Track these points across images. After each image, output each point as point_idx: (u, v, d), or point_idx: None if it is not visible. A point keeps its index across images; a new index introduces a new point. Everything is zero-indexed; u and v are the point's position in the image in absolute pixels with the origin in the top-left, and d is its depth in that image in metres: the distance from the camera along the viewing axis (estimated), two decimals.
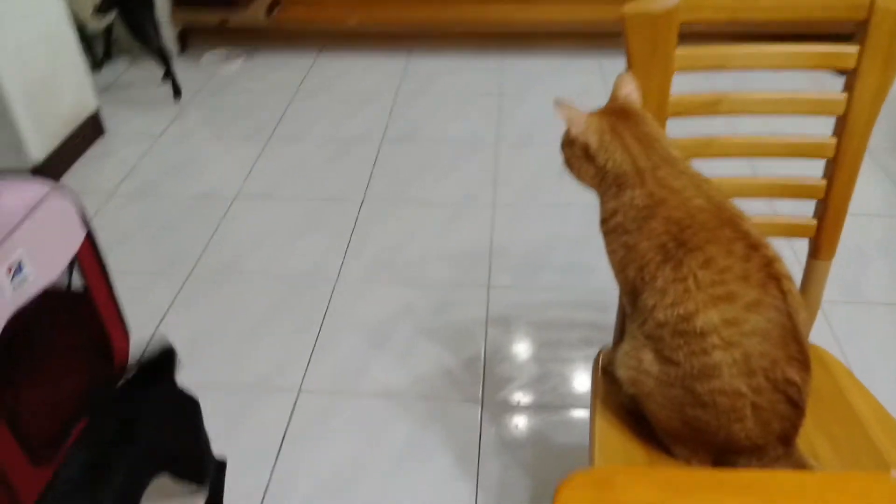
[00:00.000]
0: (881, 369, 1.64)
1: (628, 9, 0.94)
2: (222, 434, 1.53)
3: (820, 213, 1.03)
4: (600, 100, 0.97)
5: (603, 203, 0.92)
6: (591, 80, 2.90)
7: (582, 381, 1.65)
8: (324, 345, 1.75)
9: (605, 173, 0.89)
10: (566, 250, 2.02)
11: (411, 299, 1.87)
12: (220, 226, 2.14)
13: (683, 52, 0.96)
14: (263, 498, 1.41)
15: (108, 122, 2.61)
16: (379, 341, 1.75)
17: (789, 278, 0.83)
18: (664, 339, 0.84)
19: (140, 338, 1.75)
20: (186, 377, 1.65)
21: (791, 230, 1.05)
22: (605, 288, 1.88)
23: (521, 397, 1.61)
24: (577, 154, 0.93)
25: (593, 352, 1.68)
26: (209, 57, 3.09)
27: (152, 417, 1.31)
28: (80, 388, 1.56)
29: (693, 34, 0.97)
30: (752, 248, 0.82)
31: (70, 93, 2.40)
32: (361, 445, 1.51)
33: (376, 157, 2.44)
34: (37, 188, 1.36)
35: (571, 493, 0.51)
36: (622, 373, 0.92)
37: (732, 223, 0.84)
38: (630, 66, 0.97)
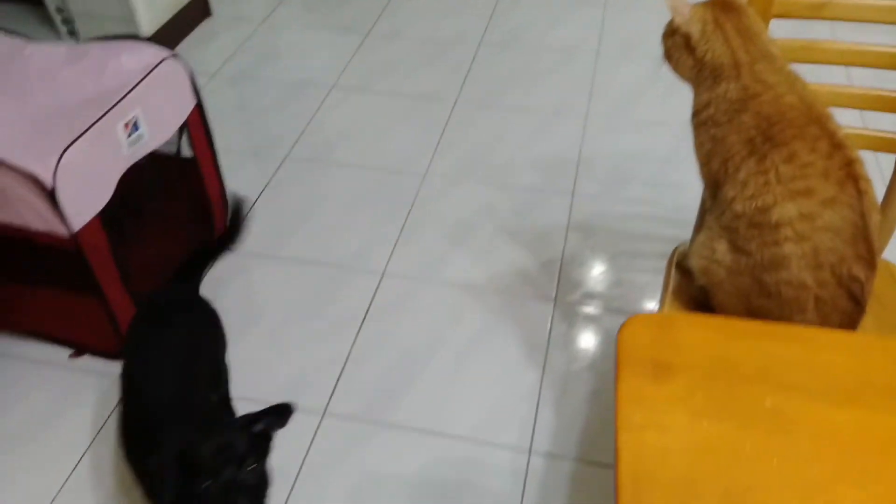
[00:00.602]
0: None
1: None
2: (312, 305, 1.65)
3: None
4: None
5: (697, 95, 0.94)
6: None
7: (654, 291, 1.68)
8: (408, 235, 1.83)
9: (703, 65, 0.91)
10: (654, 166, 2.02)
11: (495, 200, 1.93)
12: (315, 114, 2.23)
13: None
14: (346, 361, 1.54)
15: (216, 2, 2.71)
16: (461, 237, 1.83)
17: (867, 180, 0.84)
18: (739, 231, 0.87)
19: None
20: (279, 251, 1.79)
21: (880, 144, 1.04)
22: (688, 206, 1.88)
23: (593, 300, 1.66)
24: (678, 44, 0.94)
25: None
26: None
27: None
28: (181, 252, 1.71)
29: None
30: (835, 147, 0.84)
31: None
32: (438, 327, 1.60)
33: (473, 60, 2.45)
34: (154, 52, 1.46)
35: (634, 329, 0.57)
36: (695, 262, 0.96)
37: (820, 122, 0.85)
38: None
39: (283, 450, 1.33)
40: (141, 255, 1.60)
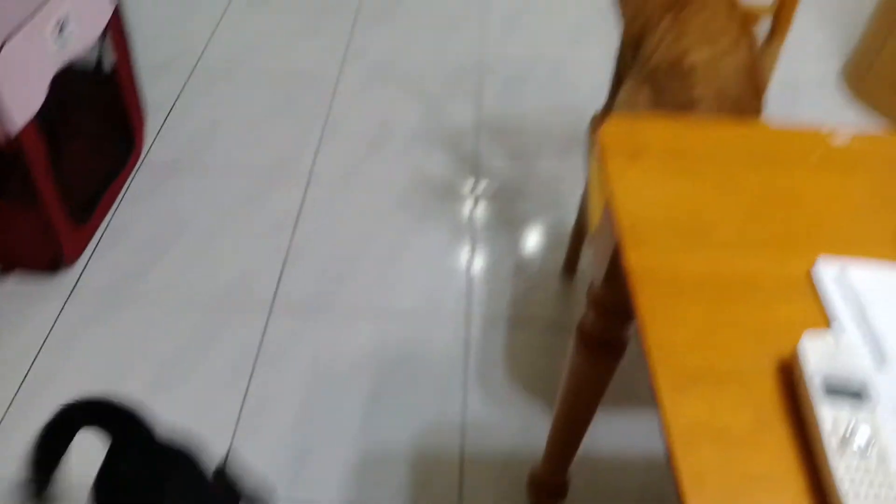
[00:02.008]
0: None
1: None
2: (243, 211, 1.71)
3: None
4: None
5: None
6: None
7: (559, 175, 1.87)
8: (328, 139, 1.91)
9: None
10: (547, 68, 2.20)
11: (407, 104, 2.04)
12: (218, 25, 2.23)
13: None
14: (285, 260, 1.62)
15: None
16: (379, 140, 1.93)
17: (756, 35, 1.04)
18: (659, 78, 1.05)
19: (153, 125, 1.89)
20: (200, 162, 1.82)
21: (754, 11, 1.24)
22: (580, 105, 2.08)
23: (508, 187, 1.83)
24: None
25: (572, 153, 1.91)
26: None
27: None
28: (106, 161, 1.72)
29: None
30: (733, 5, 1.02)
31: None
32: (370, 221, 1.72)
33: None
34: None
35: (611, 128, 0.73)
36: (619, 111, 1.13)
37: None
38: None
39: (237, 348, 1.43)
40: (72, 159, 1.60)
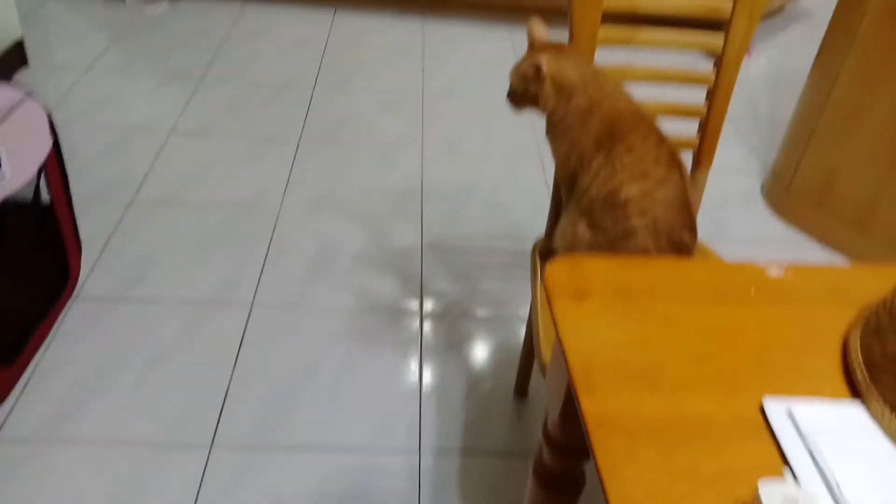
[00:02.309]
0: None
1: None
2: (181, 342, 1.66)
3: (701, 131, 1.32)
4: (511, 64, 1.22)
5: (554, 114, 1.15)
6: (503, 48, 3.16)
7: (504, 294, 1.90)
8: (271, 266, 1.90)
9: (562, 89, 1.13)
10: (486, 191, 2.27)
11: (351, 228, 2.06)
12: (157, 158, 2.23)
13: None
14: (226, 395, 1.56)
15: (31, 53, 2.61)
16: (323, 264, 1.93)
17: (685, 166, 1.11)
18: (595, 211, 1.09)
19: (89, 257, 1.85)
20: (135, 294, 1.77)
21: (679, 144, 1.32)
22: (519, 224, 2.14)
23: (454, 307, 1.84)
24: (544, 87, 1.13)
25: (514, 273, 1.95)
26: None
27: None
28: (39, 296, 1.66)
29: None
30: (660, 140, 1.09)
31: None
32: (314, 350, 1.68)
33: (310, 101, 2.59)
34: (11, 91, 1.45)
35: (555, 269, 0.74)
36: (559, 243, 1.16)
37: (647, 121, 1.11)
38: (570, 3, 1.21)
39: (176, 491, 1.35)
40: (2, 299, 1.54)
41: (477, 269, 1.98)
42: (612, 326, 0.70)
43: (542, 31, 1.22)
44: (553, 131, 1.18)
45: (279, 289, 1.84)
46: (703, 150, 1.34)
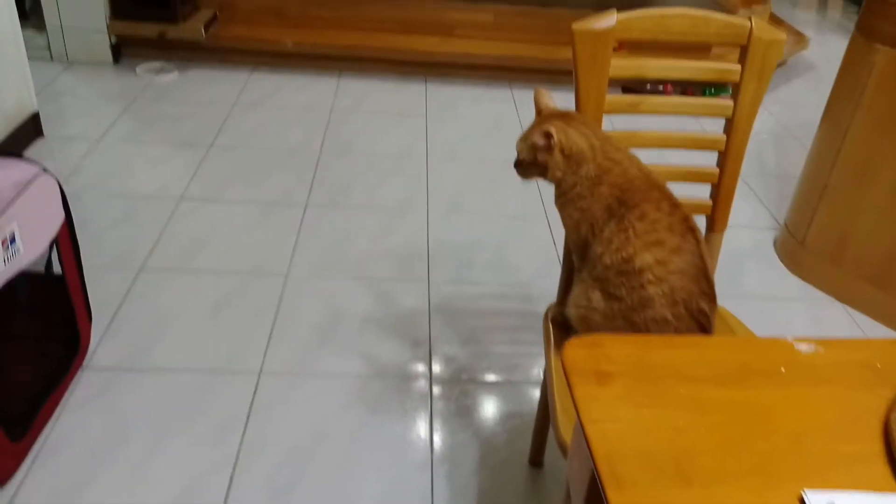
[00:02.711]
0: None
1: (576, 26, 1.19)
2: (188, 414, 1.63)
3: (714, 194, 1.31)
4: (514, 124, 1.21)
5: (563, 182, 1.14)
6: (506, 108, 3.19)
7: (514, 358, 1.87)
8: (279, 334, 1.88)
9: (571, 157, 1.12)
10: (491, 251, 2.26)
11: (358, 292, 2.04)
12: (166, 226, 2.24)
13: (616, 62, 1.21)
14: (234, 467, 1.53)
15: (46, 124, 2.65)
16: (331, 330, 1.91)
17: (700, 232, 1.09)
18: (609, 279, 1.08)
19: (98, 326, 1.84)
20: (143, 363, 1.75)
21: (692, 208, 1.31)
22: (525, 283, 2.13)
23: (464, 373, 1.81)
24: (553, 155, 1.13)
25: (524, 335, 1.92)
26: (144, 67, 3.17)
27: None
28: (49, 366, 1.64)
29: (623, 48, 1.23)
30: (673, 206, 1.08)
31: (11, 92, 2.44)
32: (323, 419, 1.65)
33: (316, 166, 2.61)
34: (26, 167, 1.46)
35: (574, 350, 0.72)
36: (573, 312, 1.14)
37: (658, 188, 1.10)
38: (576, 70, 1.22)
39: None
40: (6, 376, 1.52)
41: (486, 331, 1.96)
42: (637, 412, 0.67)
43: (548, 100, 1.22)
44: (562, 199, 1.17)
45: (287, 355, 1.81)
46: (717, 213, 1.33)
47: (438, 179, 2.60)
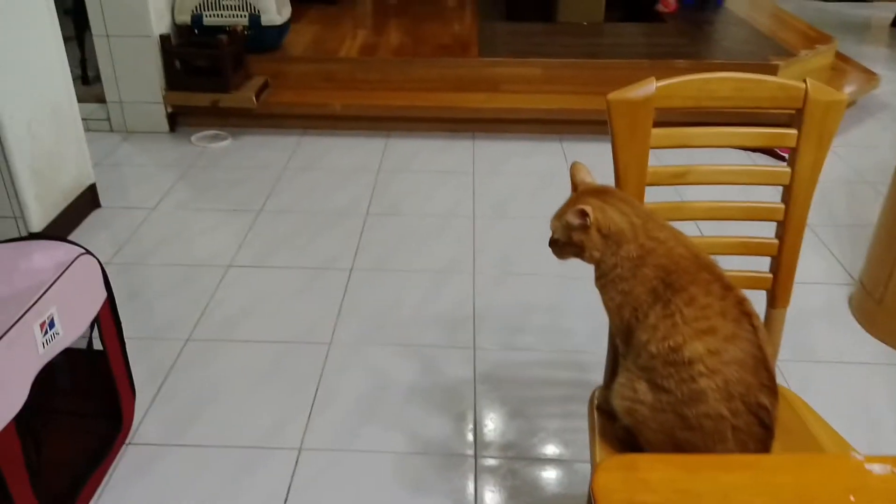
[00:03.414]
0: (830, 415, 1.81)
1: (612, 96, 1.13)
2: (227, 492, 1.60)
3: (774, 267, 1.22)
4: (565, 177, 1.15)
5: (603, 263, 1.07)
6: (556, 161, 3.14)
7: (566, 434, 1.77)
8: (321, 406, 1.84)
9: (609, 236, 1.05)
10: (542, 315, 2.18)
11: (401, 361, 1.99)
12: (214, 294, 2.24)
13: (658, 131, 1.15)
14: None
15: (103, 194, 2.72)
16: (374, 401, 1.86)
17: (757, 316, 1.00)
18: (657, 369, 0.99)
19: (143, 400, 1.83)
20: (186, 439, 1.73)
21: (750, 282, 1.22)
22: (579, 349, 2.03)
23: (511, 450, 1.72)
24: (590, 235, 1.06)
25: (577, 407, 1.83)
26: (199, 136, 3.25)
27: None
28: (91, 447, 1.63)
29: (665, 120, 1.16)
30: (726, 289, 0.99)
31: (71, 166, 2.52)
32: (364, 497, 1.59)
33: (362, 229, 2.59)
34: (67, 249, 1.47)
35: (605, 475, 0.65)
36: (618, 403, 1.06)
37: (709, 268, 1.01)
38: (614, 143, 1.16)
39: None
40: (50, 453, 1.52)
41: (536, 403, 1.87)
42: None
43: (585, 174, 1.16)
44: (602, 281, 1.10)
45: (328, 430, 1.76)
46: (778, 288, 1.23)
47: (486, 239, 2.55)
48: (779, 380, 1.88)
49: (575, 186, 1.14)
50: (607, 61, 3.46)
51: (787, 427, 1.14)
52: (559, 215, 1.10)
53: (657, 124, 1.14)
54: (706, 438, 0.98)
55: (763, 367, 0.97)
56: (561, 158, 3.16)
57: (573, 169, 1.16)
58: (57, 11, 2.42)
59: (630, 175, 1.17)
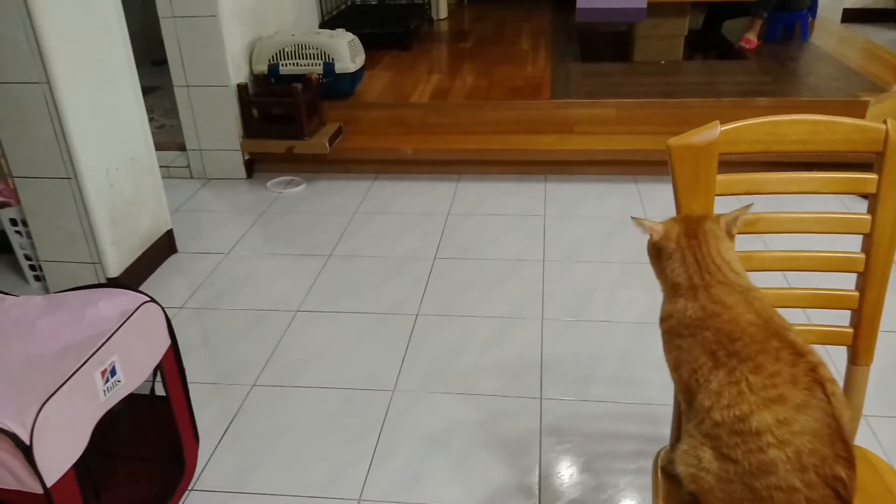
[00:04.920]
0: None
1: (673, 142, 1.08)
2: None
3: (855, 321, 1.12)
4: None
5: (665, 302, 1.02)
6: (631, 203, 3.05)
7: (636, 492, 1.67)
8: (381, 456, 1.81)
9: (667, 278, 1.00)
10: (613, 364, 2.09)
11: (465, 410, 1.94)
12: (281, 339, 2.26)
13: (724, 178, 1.08)
14: None
15: (180, 240, 2.82)
16: (435, 452, 1.81)
17: (833, 382, 0.91)
18: (721, 438, 0.92)
19: (207, 446, 1.85)
20: (247, 487, 1.73)
21: (829, 337, 1.13)
22: (653, 401, 1.93)
23: None
24: (653, 255, 1.04)
25: (646, 463, 1.73)
26: (274, 181, 3.34)
27: None
28: (154, 492, 1.65)
29: (731, 162, 1.10)
30: (797, 354, 0.91)
31: (148, 213, 2.62)
32: None
33: (429, 273, 2.58)
34: (131, 297, 1.50)
35: None
36: (682, 470, 0.98)
37: (779, 334, 0.94)
38: (676, 190, 1.10)
39: None
40: (112, 498, 1.54)
41: (604, 458, 1.78)
42: None
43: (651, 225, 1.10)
44: (663, 326, 1.04)
45: (387, 482, 1.73)
46: (860, 343, 1.13)
47: (556, 284, 2.49)
48: (867, 438, 1.73)
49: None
50: (684, 100, 3.37)
51: (868, 490, 1.04)
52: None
53: (727, 166, 1.08)
54: None
55: (838, 438, 0.88)
56: (636, 200, 3.07)
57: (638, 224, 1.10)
58: (146, 61, 2.55)
59: None
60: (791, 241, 1.14)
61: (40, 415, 1.18)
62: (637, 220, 1.04)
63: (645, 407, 1.93)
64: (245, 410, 1.98)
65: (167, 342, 1.57)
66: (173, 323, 2.31)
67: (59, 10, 2.12)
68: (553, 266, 2.60)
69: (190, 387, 1.72)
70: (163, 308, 1.55)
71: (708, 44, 4.47)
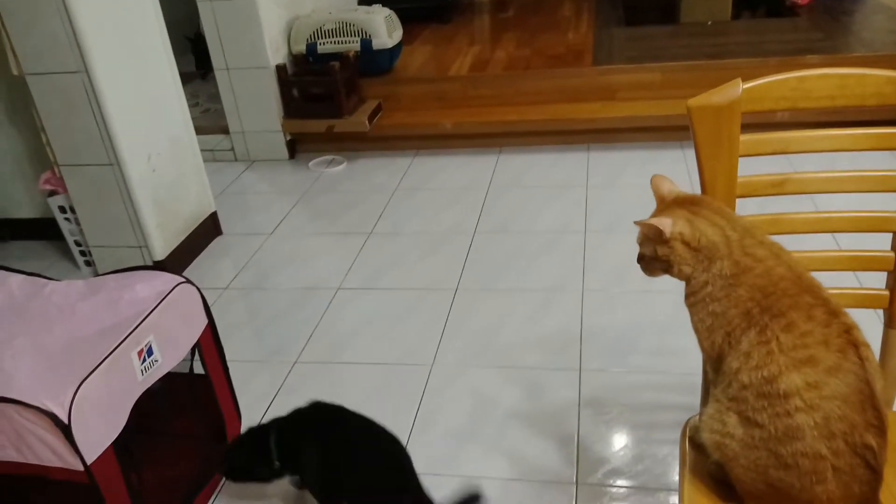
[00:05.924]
0: None
1: (692, 102, 1.04)
2: None
3: (891, 283, 1.06)
4: (685, 185, 1.07)
5: (694, 279, 0.98)
6: (677, 169, 2.97)
7: (675, 462, 1.65)
8: (420, 429, 1.82)
9: (700, 249, 0.96)
10: (654, 335, 2.05)
11: (504, 383, 1.94)
12: (323, 316, 2.29)
13: (747, 138, 1.04)
14: None
15: (224, 222, 2.88)
16: (474, 425, 1.82)
17: (867, 346, 0.87)
18: (748, 401, 0.89)
19: (250, 422, 1.89)
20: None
21: (864, 300, 1.08)
22: (693, 372, 1.89)
23: (616, 478, 1.62)
24: (675, 248, 0.98)
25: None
26: (315, 161, 3.37)
27: None
28: (196, 468, 1.69)
29: (755, 123, 1.05)
30: (831, 314, 0.88)
31: (192, 196, 2.68)
32: None
33: (469, 248, 2.57)
34: (167, 279, 1.54)
35: None
36: (706, 437, 0.96)
37: (812, 291, 0.90)
38: (698, 154, 1.06)
39: None
40: (154, 475, 1.59)
41: (643, 428, 1.75)
42: None
43: (670, 184, 1.07)
44: (692, 299, 1.00)
45: (426, 454, 1.74)
46: None
47: (597, 255, 2.45)
48: None
49: (661, 198, 1.05)
50: (731, 61, 3.26)
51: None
52: (640, 230, 1.02)
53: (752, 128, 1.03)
54: (803, 478, 0.86)
55: (870, 404, 0.84)
56: (683, 165, 2.99)
57: (655, 182, 1.07)
58: (182, 47, 2.59)
59: (718, 186, 1.07)
60: (821, 202, 1.09)
61: (77, 395, 1.22)
62: (639, 223, 0.99)
63: (685, 377, 1.88)
64: (287, 387, 2.02)
65: (204, 321, 1.60)
66: (219, 303, 2.40)
67: (94, 0, 2.17)
68: (595, 237, 2.56)
69: (234, 365, 1.76)
70: (198, 289, 1.59)
71: (757, 1, 4.29)
